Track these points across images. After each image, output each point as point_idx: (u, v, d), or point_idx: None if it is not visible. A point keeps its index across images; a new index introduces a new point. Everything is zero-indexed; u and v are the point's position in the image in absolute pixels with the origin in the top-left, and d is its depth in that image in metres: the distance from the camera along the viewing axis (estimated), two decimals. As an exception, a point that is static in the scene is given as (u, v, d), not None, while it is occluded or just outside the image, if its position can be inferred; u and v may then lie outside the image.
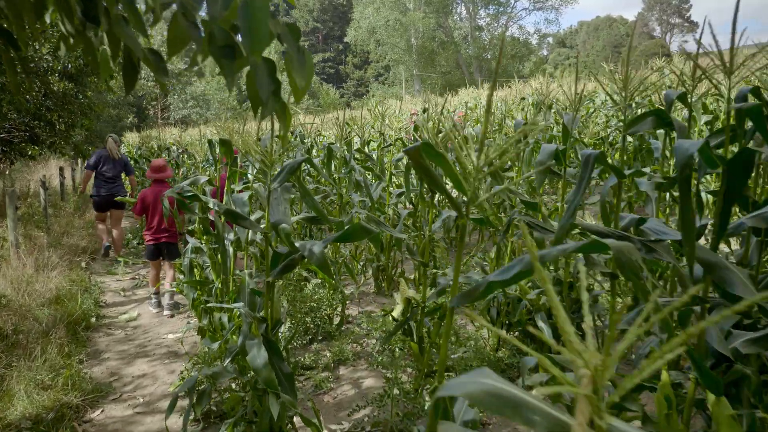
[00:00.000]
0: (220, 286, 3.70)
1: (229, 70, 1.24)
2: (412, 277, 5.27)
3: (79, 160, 15.91)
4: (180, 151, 11.68)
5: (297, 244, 2.28)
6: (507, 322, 3.49)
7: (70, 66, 9.27)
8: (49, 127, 11.06)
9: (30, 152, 11.68)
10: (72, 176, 13.76)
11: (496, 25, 41.25)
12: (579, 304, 3.08)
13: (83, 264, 6.56)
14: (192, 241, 4.07)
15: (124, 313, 5.14)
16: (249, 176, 3.26)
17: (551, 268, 3.21)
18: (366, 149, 6.49)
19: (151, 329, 4.74)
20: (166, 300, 5.09)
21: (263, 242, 2.73)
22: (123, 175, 7.50)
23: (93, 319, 4.88)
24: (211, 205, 3.70)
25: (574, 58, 63.19)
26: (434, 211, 3.72)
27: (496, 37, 39.34)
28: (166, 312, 5.04)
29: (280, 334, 3.54)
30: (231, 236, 3.64)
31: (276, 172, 2.33)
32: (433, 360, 3.06)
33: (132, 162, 13.14)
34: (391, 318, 3.08)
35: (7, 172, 12.73)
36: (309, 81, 1.35)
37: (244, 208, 2.61)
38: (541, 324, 2.93)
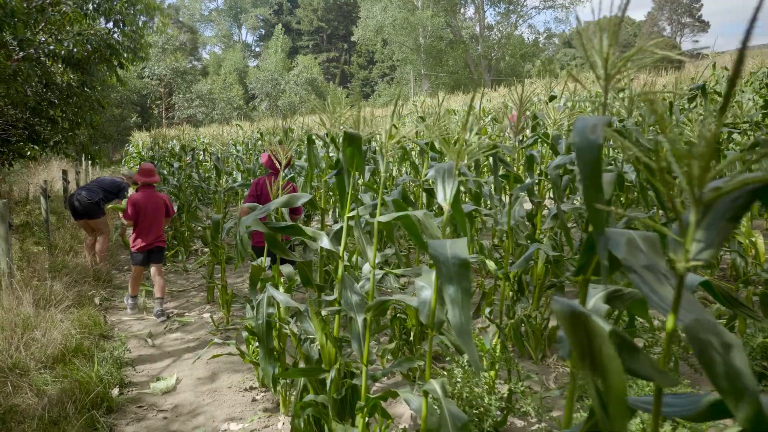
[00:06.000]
0: (336, 375, 2.27)
1: None
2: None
3: (85, 162, 14.47)
4: (192, 161, 9.95)
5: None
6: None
7: (75, 51, 7.80)
8: (51, 125, 9.63)
9: (29, 153, 10.25)
10: (76, 180, 12.30)
11: (506, 23, 40.11)
12: None
13: (96, 300, 5.11)
14: (274, 293, 2.63)
15: (158, 379, 3.70)
16: (442, 197, 1.76)
17: None
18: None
19: (201, 409, 3.29)
20: (156, 308, 4.94)
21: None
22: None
23: (115, 391, 3.44)
24: (324, 244, 2.28)
25: (580, 58, 61.65)
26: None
27: (505, 36, 38.26)
28: (159, 319, 4.86)
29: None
30: (358, 294, 2.20)
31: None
32: None
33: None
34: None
35: None
36: None
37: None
38: None
